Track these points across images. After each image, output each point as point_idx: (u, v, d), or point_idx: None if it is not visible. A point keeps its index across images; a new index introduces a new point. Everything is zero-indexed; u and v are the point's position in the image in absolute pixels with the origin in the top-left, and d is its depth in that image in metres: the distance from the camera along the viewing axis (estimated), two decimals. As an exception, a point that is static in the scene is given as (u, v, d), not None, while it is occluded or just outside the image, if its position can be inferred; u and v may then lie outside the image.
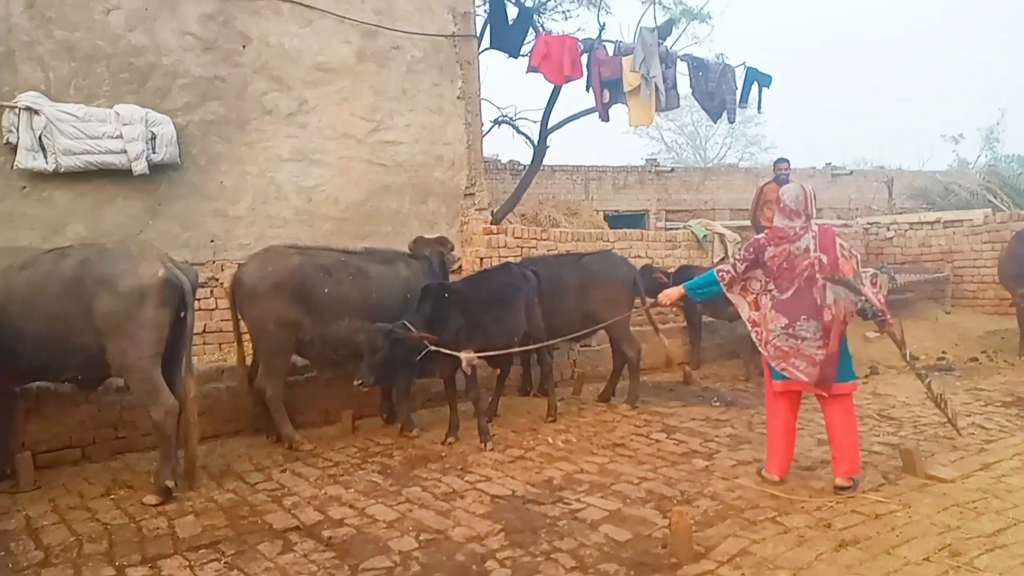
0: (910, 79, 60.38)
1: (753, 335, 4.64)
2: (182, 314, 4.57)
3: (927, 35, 63.74)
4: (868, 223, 12.51)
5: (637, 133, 36.91)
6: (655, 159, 23.09)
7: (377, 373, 5.20)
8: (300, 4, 7.54)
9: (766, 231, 4.76)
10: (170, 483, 4.47)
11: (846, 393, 4.49)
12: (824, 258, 4.45)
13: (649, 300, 6.99)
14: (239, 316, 5.74)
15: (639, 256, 9.49)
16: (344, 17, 7.80)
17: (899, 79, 61.36)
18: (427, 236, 6.97)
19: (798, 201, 4.58)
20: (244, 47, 7.25)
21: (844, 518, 3.92)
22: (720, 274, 4.71)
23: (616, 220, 17.71)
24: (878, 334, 9.29)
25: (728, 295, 4.72)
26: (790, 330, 4.42)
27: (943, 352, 9.02)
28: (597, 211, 17.94)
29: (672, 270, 8.55)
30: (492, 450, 5.39)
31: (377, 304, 5.79)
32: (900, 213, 14.26)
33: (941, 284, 10.91)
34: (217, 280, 6.93)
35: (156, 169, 6.63)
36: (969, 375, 7.81)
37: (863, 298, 4.38)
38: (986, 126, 22.36)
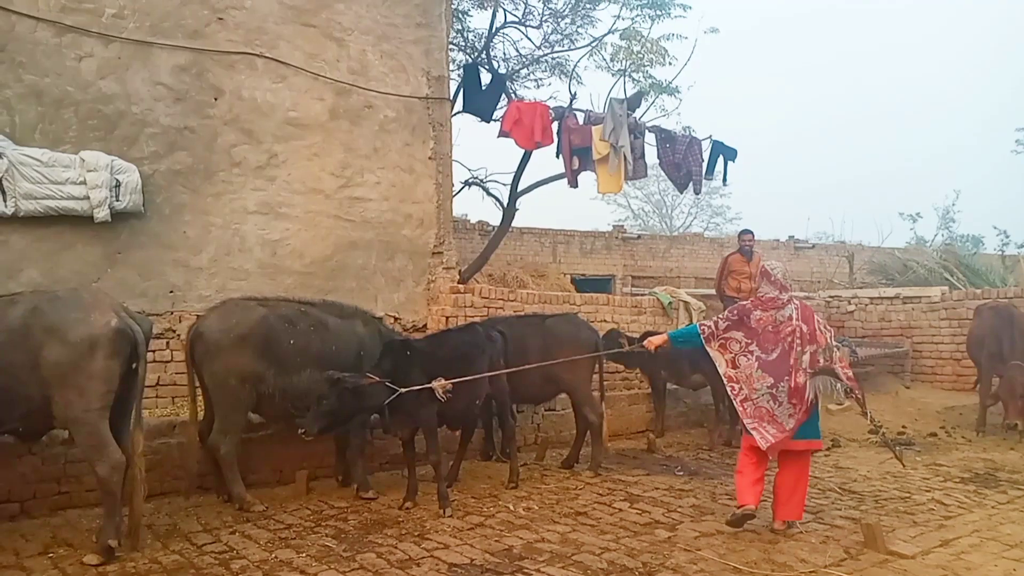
0: (871, 157, 62.75)
1: (729, 390, 5.09)
2: (134, 365, 4.41)
3: (889, 118, 66.55)
4: (830, 296, 12.76)
5: (605, 200, 37.45)
6: (622, 226, 23.47)
7: (323, 423, 5.04)
8: (275, 60, 7.60)
9: (752, 298, 5.33)
10: (113, 542, 4.24)
11: (808, 450, 5.07)
12: (804, 328, 4.95)
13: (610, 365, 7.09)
14: (195, 371, 5.57)
15: (605, 320, 9.51)
16: (319, 75, 7.86)
17: (861, 157, 63.77)
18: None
19: (785, 275, 5.26)
20: (216, 99, 7.25)
21: (807, 594, 3.85)
22: (702, 328, 5.24)
23: (583, 284, 17.82)
24: (840, 406, 9.39)
25: (707, 348, 5.18)
26: (773, 391, 4.89)
27: (903, 427, 9.09)
28: (564, 274, 18.05)
29: (637, 335, 8.55)
30: (451, 516, 5.23)
31: (336, 356, 5.68)
32: (861, 287, 14.59)
33: (901, 359, 11.09)
34: (174, 332, 6.77)
35: (119, 217, 6.52)
36: (928, 450, 7.87)
37: (841, 382, 4.85)
38: (942, 206, 23.07)
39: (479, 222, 18.45)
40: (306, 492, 5.85)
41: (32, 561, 4.24)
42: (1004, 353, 8.57)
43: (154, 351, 6.59)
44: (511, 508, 5.49)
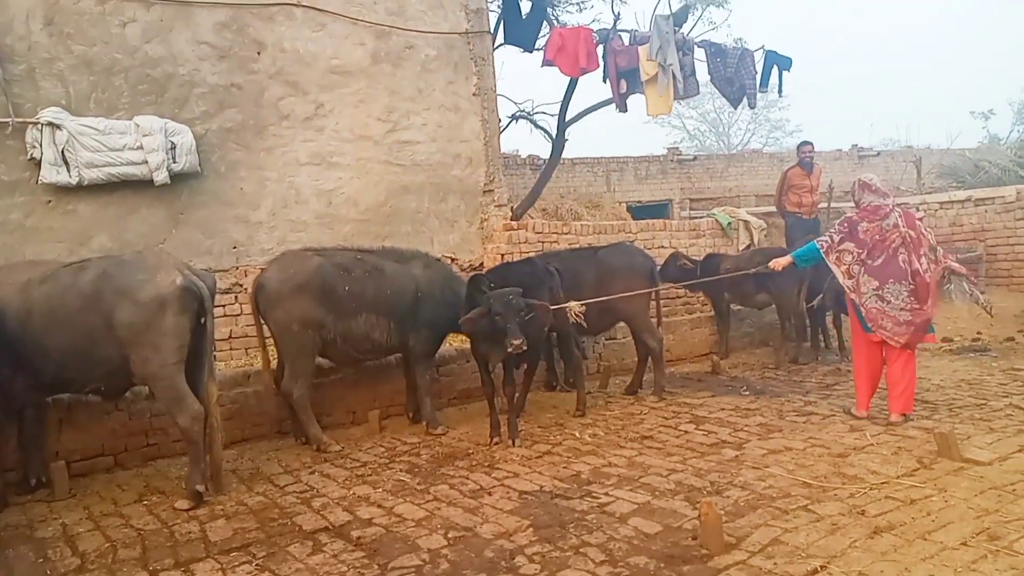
0: (937, 49, 59.09)
1: (850, 297, 5.54)
2: (202, 320, 4.59)
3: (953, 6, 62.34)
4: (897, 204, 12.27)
5: (658, 122, 36.62)
6: (677, 148, 22.84)
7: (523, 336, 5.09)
8: (312, 8, 7.58)
9: (858, 209, 5.59)
10: (200, 487, 4.50)
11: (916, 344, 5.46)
12: (911, 233, 5.38)
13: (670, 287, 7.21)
14: (262, 320, 5.78)
15: (663, 246, 9.41)
16: (357, 19, 7.82)
17: (923, 44, 60.02)
18: None
19: (884, 184, 5.65)
20: (259, 54, 7.30)
21: (878, 504, 3.84)
22: (820, 243, 5.64)
23: (639, 211, 17.58)
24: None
25: (827, 261, 5.60)
26: (879, 292, 5.37)
27: (978, 333, 8.82)
28: (620, 203, 17.82)
29: (699, 258, 8.48)
30: (520, 447, 5.35)
31: (390, 300, 5.82)
32: (929, 193, 13.98)
33: (975, 263, 10.65)
34: (241, 286, 6.99)
35: (177, 178, 6.70)
36: (1005, 355, 7.64)
37: (973, 284, 5.52)
38: (1018, 100, 21.61)
39: (529, 156, 18.27)
40: (379, 430, 6.07)
41: (129, 508, 4.53)
42: None
43: (223, 306, 6.86)
44: (577, 435, 5.59)
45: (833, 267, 5.61)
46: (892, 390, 5.39)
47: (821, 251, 5.61)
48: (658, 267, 7.46)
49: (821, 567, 3.15)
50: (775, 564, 3.22)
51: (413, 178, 8.09)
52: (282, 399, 5.80)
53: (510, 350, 5.08)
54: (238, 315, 7.01)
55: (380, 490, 4.60)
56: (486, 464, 5.00)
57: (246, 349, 6.94)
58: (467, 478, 4.72)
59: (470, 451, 5.35)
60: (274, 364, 5.90)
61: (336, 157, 7.67)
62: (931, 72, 55.63)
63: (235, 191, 7.16)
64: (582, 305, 5.86)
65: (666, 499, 4.13)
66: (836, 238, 5.57)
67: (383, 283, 5.83)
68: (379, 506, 4.32)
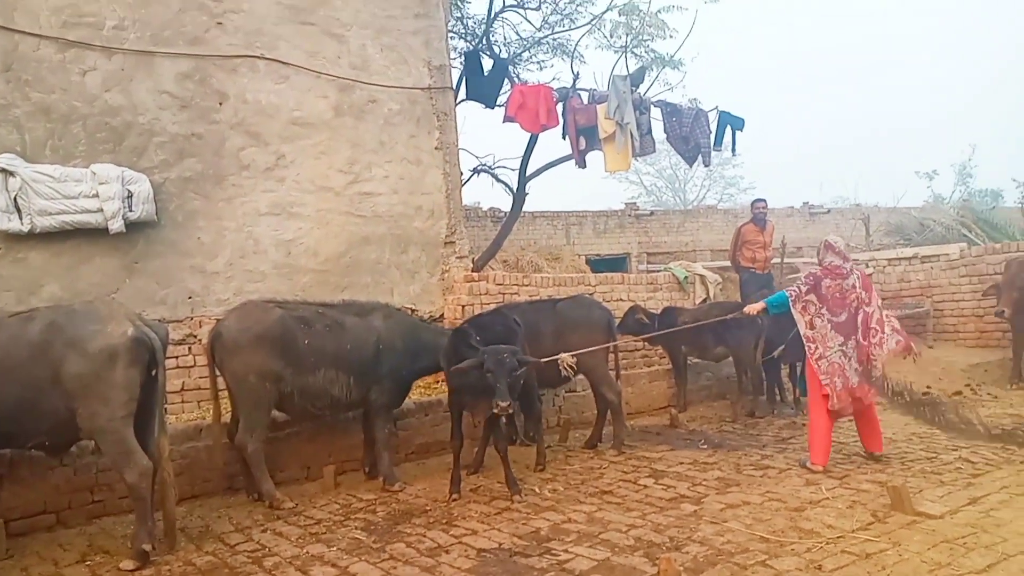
0: (883, 116, 61.81)
1: (808, 350, 5.89)
2: (153, 372, 4.49)
3: (900, 73, 65.51)
4: (847, 260, 12.64)
5: (616, 178, 37.32)
6: (635, 203, 23.30)
7: (511, 395, 5.09)
8: (276, 61, 7.64)
9: (821, 267, 6.04)
10: (147, 546, 4.33)
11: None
12: (864, 294, 5.85)
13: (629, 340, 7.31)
14: (218, 371, 5.66)
15: (621, 299, 9.52)
16: (320, 73, 7.90)
17: (873, 116, 62.83)
18: None
19: (846, 248, 6.10)
20: (220, 104, 7.32)
21: (834, 559, 3.86)
22: (789, 292, 6.03)
23: (598, 264, 17.79)
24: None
25: (792, 310, 5.96)
26: (844, 348, 5.78)
27: (927, 387, 8.99)
28: (579, 255, 18.02)
29: (657, 312, 8.59)
30: (520, 501, 5.27)
31: (351, 354, 5.76)
32: (878, 250, 14.43)
33: (922, 319, 10.98)
34: (195, 337, 6.87)
35: (133, 227, 6.62)
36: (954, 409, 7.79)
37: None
38: (959, 162, 22.66)
39: (491, 209, 18.44)
40: (334, 486, 5.93)
41: (71, 569, 4.34)
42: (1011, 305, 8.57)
43: (176, 357, 6.72)
44: (537, 490, 5.54)
45: (797, 315, 5.94)
46: (865, 436, 5.99)
47: (790, 300, 5.96)
48: (616, 320, 7.53)
49: (780, 624, 3.15)
50: (734, 622, 3.21)
51: (374, 229, 8.10)
52: (234, 454, 5.66)
53: (495, 411, 5.05)
54: (191, 367, 6.87)
55: (334, 549, 4.48)
56: (444, 521, 4.92)
57: (199, 402, 6.78)
58: (424, 536, 4.63)
59: (428, 508, 5.25)
60: (227, 417, 5.77)
61: (296, 207, 7.66)
62: (880, 135, 58.06)
63: (192, 240, 7.08)
64: (573, 356, 6.11)
65: (625, 555, 4.10)
66: (803, 289, 5.95)
67: (343, 338, 5.78)
68: (333, 565, 4.21)
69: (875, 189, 63.38)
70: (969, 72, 67.39)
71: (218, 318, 6.19)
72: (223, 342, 5.53)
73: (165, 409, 4.80)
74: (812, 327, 5.88)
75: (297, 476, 6.14)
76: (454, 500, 5.38)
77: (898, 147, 52.53)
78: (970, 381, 9.10)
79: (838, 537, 4.19)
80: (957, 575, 3.58)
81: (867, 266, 12.11)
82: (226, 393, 5.71)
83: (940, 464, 5.64)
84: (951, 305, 10.91)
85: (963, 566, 3.68)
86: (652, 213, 21.81)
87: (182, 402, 6.76)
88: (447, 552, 4.32)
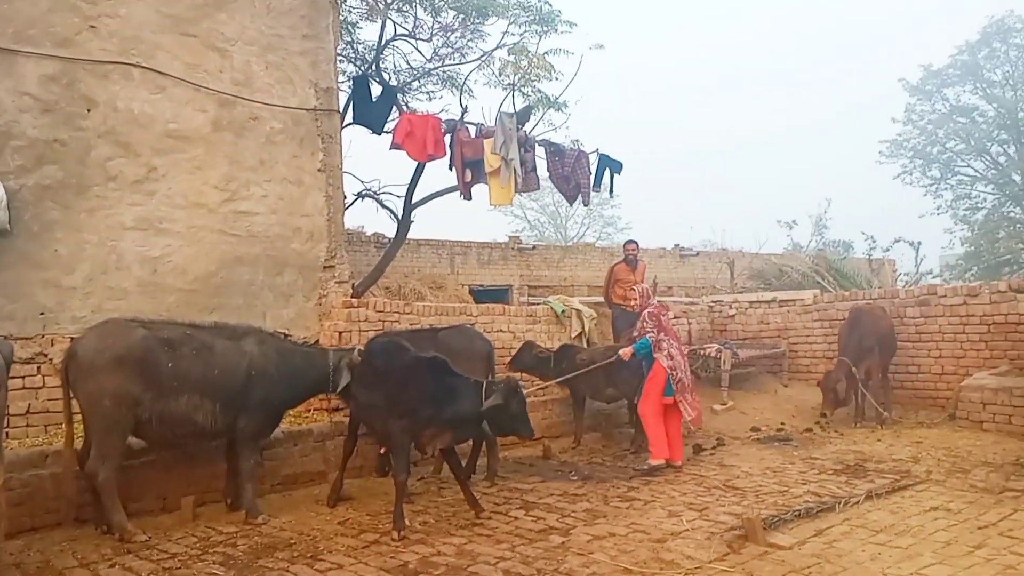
0: (751, 180, 66.39)
1: (671, 377, 7.16)
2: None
3: (769, 135, 70.52)
4: (712, 301, 13.32)
5: (502, 211, 37.94)
6: (518, 237, 23.66)
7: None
8: (152, 70, 7.32)
9: (655, 305, 7.61)
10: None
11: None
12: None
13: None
14: (71, 393, 5.28)
15: (502, 330, 9.63)
16: (200, 86, 7.62)
17: (740, 177, 67.30)
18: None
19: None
20: (89, 111, 6.92)
21: (692, 589, 4.02)
22: (649, 337, 7.28)
23: (481, 294, 17.89)
24: (724, 406, 9.85)
25: (655, 353, 7.21)
26: (688, 372, 7.45)
27: (782, 423, 9.59)
28: (463, 285, 18.06)
29: (553, 348, 8.84)
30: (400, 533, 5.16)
31: (218, 380, 5.52)
32: (741, 292, 15.30)
33: (779, 359, 11.69)
34: (46, 356, 6.40)
35: (-20, 235, 6.11)
36: (805, 445, 8.33)
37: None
38: (815, 214, 24.45)
39: (375, 234, 18.20)
40: (192, 519, 5.63)
41: None
42: (850, 350, 9.28)
43: (23, 377, 6.25)
44: (407, 523, 5.46)
45: (659, 356, 7.18)
46: (672, 442, 7.15)
47: (652, 344, 7.23)
48: (495, 350, 7.62)
49: (639, 654, 3.24)
50: (596, 653, 3.27)
51: (249, 249, 7.83)
52: (83, 482, 5.27)
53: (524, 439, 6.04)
54: (39, 388, 6.37)
55: (189, 585, 4.25)
56: (308, 555, 4.77)
57: (45, 426, 6.30)
58: (287, 571, 4.47)
59: (292, 541, 5.07)
60: (80, 443, 5.38)
61: (166, 223, 7.31)
62: (745, 184, 61.97)
63: (48, 252, 6.62)
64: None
65: (493, 588, 4.11)
66: (658, 334, 7.27)
67: (211, 362, 5.52)
68: (186, 603, 3.99)
69: (741, 236, 67.69)
70: (829, 134, 73.39)
71: (73, 336, 5.79)
72: (78, 362, 5.17)
73: (6, 434, 4.42)
74: (671, 357, 7.21)
75: (152, 507, 5.78)
76: (402, 536, 5.12)
77: (762, 194, 56.22)
78: (820, 420, 9.73)
79: (696, 568, 4.37)
80: (801, 603, 3.81)
81: (731, 307, 12.82)
82: (80, 417, 5.34)
83: (791, 497, 5.99)
84: (804, 346, 11.68)
85: (807, 594, 3.92)
86: (534, 247, 22.20)
87: (27, 426, 6.26)
88: (311, 587, 4.19)
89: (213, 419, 5.47)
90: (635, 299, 7.86)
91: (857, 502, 5.71)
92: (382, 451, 6.69)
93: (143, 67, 7.26)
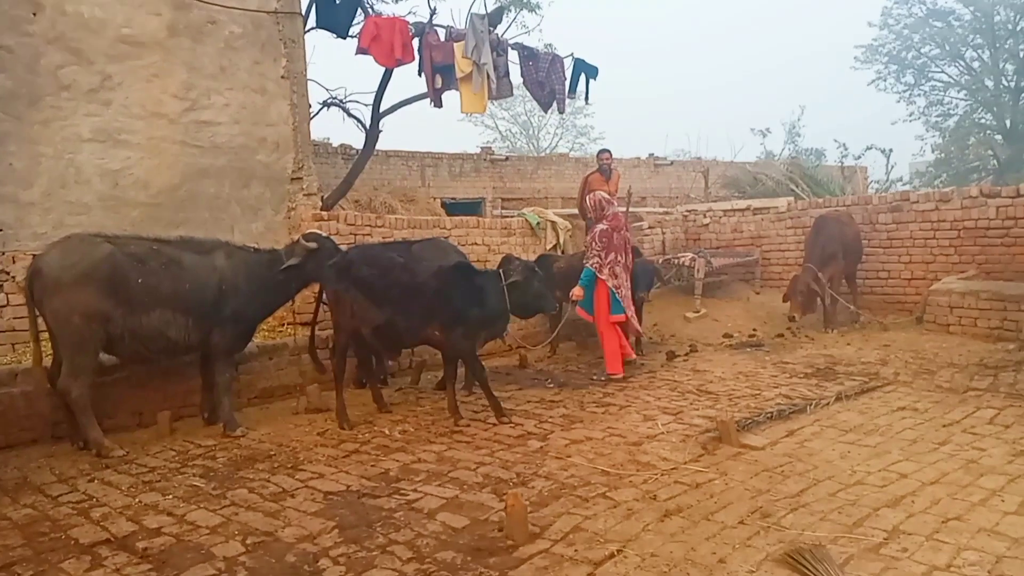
0: (724, 69, 65.13)
1: (615, 292, 7.22)
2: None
3: (741, 33, 69.09)
4: (687, 211, 13.29)
5: (472, 121, 37.24)
6: (490, 147, 23.27)
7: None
8: (101, -31, 6.86)
9: (609, 218, 7.36)
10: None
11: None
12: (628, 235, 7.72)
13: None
14: (37, 311, 5.14)
15: (476, 243, 9.55)
16: (153, -14, 7.18)
17: (715, 69, 66.12)
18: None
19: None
20: (35, 15, 6.52)
21: (668, 489, 4.12)
22: (593, 265, 7.23)
23: (454, 207, 17.68)
24: (697, 314, 9.94)
25: (599, 276, 7.21)
26: (626, 283, 7.41)
27: (754, 329, 9.75)
28: (434, 198, 17.83)
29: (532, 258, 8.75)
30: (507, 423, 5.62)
31: (189, 294, 5.42)
32: (715, 201, 15.27)
33: (752, 267, 11.79)
34: (7, 274, 6.21)
35: (-74, 148, 5.81)
36: (776, 350, 8.49)
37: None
38: (789, 121, 24.18)
39: (341, 145, 17.76)
40: (170, 433, 5.62)
41: None
42: (815, 256, 9.39)
43: (-16, 295, 6.06)
44: (387, 432, 5.51)
45: (607, 279, 7.20)
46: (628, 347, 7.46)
47: (597, 274, 7.21)
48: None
49: (618, 551, 3.32)
50: (576, 551, 3.35)
51: (213, 161, 7.58)
52: (57, 399, 5.20)
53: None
54: (4, 306, 6.21)
55: (170, 497, 4.27)
56: (289, 466, 4.80)
57: (13, 344, 6.17)
58: (268, 481, 4.50)
59: (272, 453, 5.10)
60: (48, 361, 5.29)
61: (124, 135, 7.01)
62: (719, 92, 61.18)
63: (2, 167, 6.34)
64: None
65: (474, 492, 4.17)
66: (602, 254, 7.21)
67: (182, 276, 5.39)
68: (169, 514, 4.00)
69: (715, 143, 67.39)
70: (804, 35, 72.05)
71: (35, 253, 5.60)
72: (44, 279, 5.02)
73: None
74: (615, 276, 7.25)
75: (128, 423, 5.75)
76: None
77: (737, 101, 55.66)
78: (791, 325, 9.89)
79: (672, 469, 4.46)
80: (775, 500, 3.92)
81: (705, 216, 12.82)
82: (47, 334, 5.23)
83: (763, 400, 6.12)
84: (777, 254, 11.78)
85: (780, 492, 4.03)
86: (507, 159, 21.88)
87: (-8, 345, 6.13)
88: (292, 496, 4.23)
89: (186, 334, 5.40)
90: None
91: (827, 403, 5.86)
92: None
93: (90, -34, 6.80)
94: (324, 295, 6.34)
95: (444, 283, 5.92)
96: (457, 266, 6.21)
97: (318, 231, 6.40)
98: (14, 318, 6.16)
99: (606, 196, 7.58)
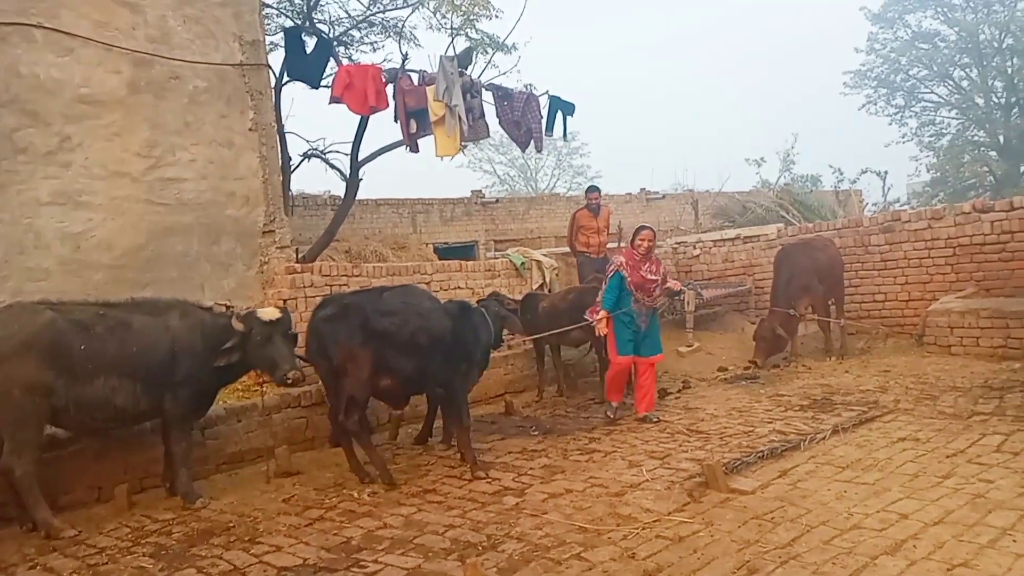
0: (718, 115, 65.87)
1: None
2: None
3: (731, 70, 69.99)
4: (676, 243, 13.06)
5: (471, 167, 37.55)
6: (480, 191, 23.19)
7: None
8: (57, 31, 6.74)
9: (630, 249, 7.14)
10: None
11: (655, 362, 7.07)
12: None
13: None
14: None
15: (459, 287, 9.30)
16: (112, 45, 7.05)
17: (709, 114, 66.84)
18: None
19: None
20: (-13, 78, 6.37)
21: (648, 545, 3.80)
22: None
23: (446, 252, 17.48)
24: (690, 348, 9.63)
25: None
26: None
27: (749, 361, 9.41)
28: (426, 244, 17.64)
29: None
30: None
31: (138, 358, 5.10)
32: (705, 232, 15.06)
33: (745, 296, 11.50)
34: (-41, 346, 5.94)
35: None
36: (772, 382, 8.16)
37: None
38: (783, 150, 24.13)
39: (330, 196, 17.66)
40: (128, 507, 5.26)
41: None
42: (779, 295, 9.15)
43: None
44: (355, 495, 5.18)
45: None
46: (639, 395, 6.89)
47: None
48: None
49: (586, 624, 3.00)
50: (540, 626, 3.03)
51: (180, 218, 7.37)
52: (1, 479, 4.90)
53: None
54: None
55: (112, 581, 3.95)
56: (247, 539, 4.46)
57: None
58: (220, 558, 4.17)
59: (231, 525, 4.76)
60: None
61: (85, 196, 6.81)
62: (711, 121, 61.58)
63: (-45, 234, 6.14)
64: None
65: (438, 560, 3.86)
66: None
67: (128, 339, 5.10)
68: (106, 602, 3.68)
69: (708, 175, 67.70)
70: (796, 70, 72.92)
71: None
72: None
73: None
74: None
75: (86, 499, 5.40)
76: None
77: (737, 138, 55.99)
78: (787, 355, 9.57)
79: (654, 521, 4.15)
80: (764, 552, 3.60)
81: (695, 247, 12.58)
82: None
83: (756, 437, 5.80)
84: (770, 282, 11.44)
85: (770, 542, 3.72)
86: (498, 201, 21.81)
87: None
88: (244, 574, 3.90)
89: (135, 400, 5.07)
90: (597, 246, 7.55)
91: (823, 438, 5.55)
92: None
93: (45, 27, 6.68)
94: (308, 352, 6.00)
95: (459, 324, 5.88)
96: (464, 305, 6.24)
97: (277, 307, 6.18)
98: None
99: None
